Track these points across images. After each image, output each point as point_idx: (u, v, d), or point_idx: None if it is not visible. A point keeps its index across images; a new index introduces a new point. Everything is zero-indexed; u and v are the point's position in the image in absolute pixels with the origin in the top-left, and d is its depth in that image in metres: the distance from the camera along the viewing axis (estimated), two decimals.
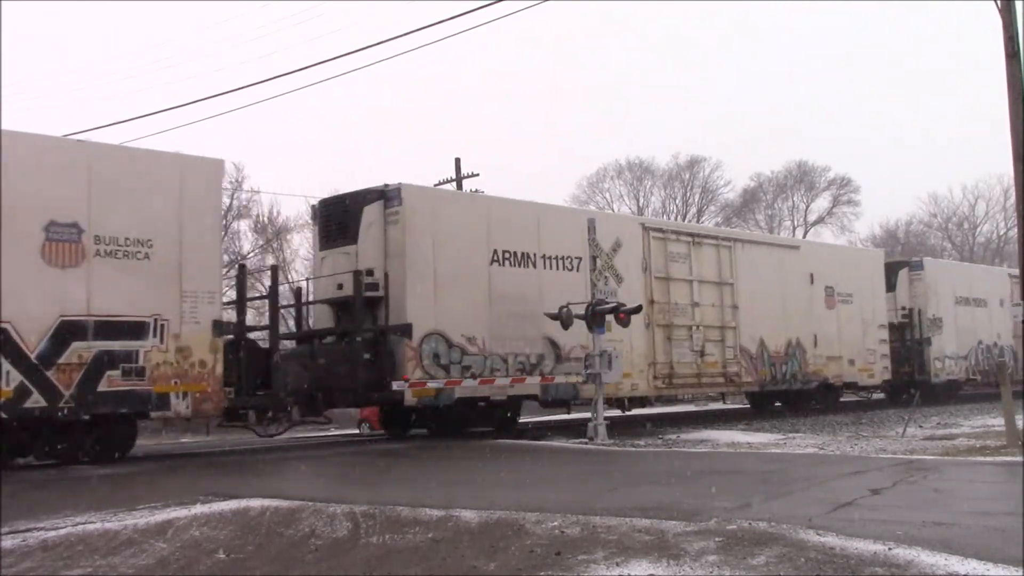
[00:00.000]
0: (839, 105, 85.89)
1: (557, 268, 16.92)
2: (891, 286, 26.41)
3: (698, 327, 19.50)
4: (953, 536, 5.85)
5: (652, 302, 18.47)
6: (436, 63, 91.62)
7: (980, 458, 11.06)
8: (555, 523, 6.57)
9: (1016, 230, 16.70)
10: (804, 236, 56.81)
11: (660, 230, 19.60)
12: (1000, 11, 13.16)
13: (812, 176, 59.83)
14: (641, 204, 57.83)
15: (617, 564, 5.52)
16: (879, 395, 26.89)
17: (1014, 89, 12.95)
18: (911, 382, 26.02)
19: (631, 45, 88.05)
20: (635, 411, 20.75)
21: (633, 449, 13.54)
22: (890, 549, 5.45)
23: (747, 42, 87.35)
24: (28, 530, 6.85)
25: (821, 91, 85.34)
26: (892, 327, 25.90)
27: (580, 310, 15.56)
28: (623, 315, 15.74)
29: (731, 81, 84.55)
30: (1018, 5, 13.27)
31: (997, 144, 15.08)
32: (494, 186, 52.66)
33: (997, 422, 16.48)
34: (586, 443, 14.41)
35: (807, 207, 60.37)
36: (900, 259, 29.86)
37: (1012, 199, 29.94)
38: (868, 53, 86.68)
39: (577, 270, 17.02)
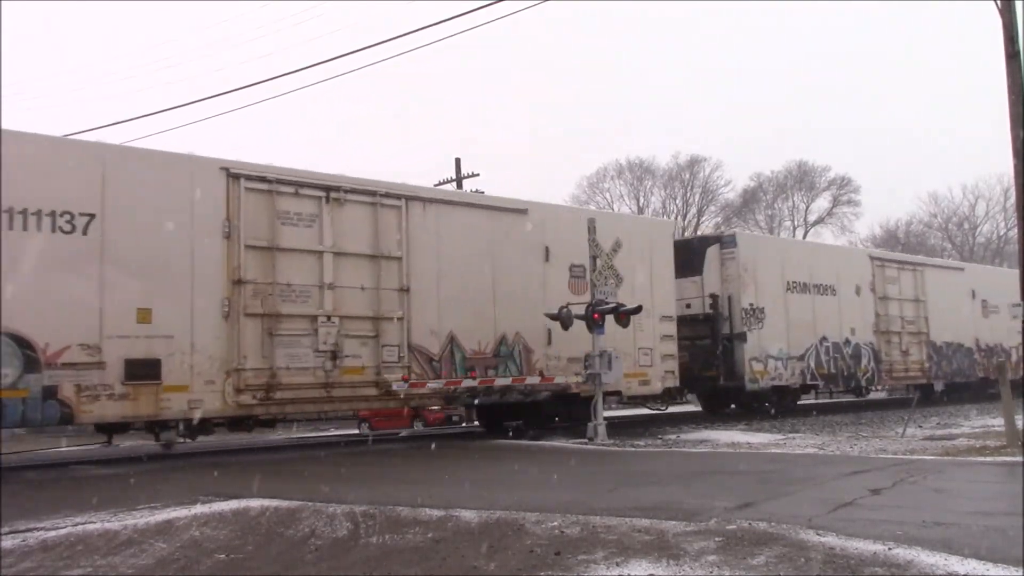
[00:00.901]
0: (839, 105, 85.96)
1: (822, 294, 22.85)
2: (697, 268, 21.08)
3: (330, 318, 13.64)
4: (953, 536, 5.85)
5: (240, 282, 12.83)
6: (436, 63, 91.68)
7: (980, 458, 11.06)
8: (555, 523, 6.57)
9: (1016, 230, 16.69)
10: (804, 236, 56.82)
11: (263, 179, 13.30)
12: (1000, 11, 13.16)
13: (812, 176, 59.88)
14: (641, 204, 57.86)
15: (617, 564, 5.52)
16: (660, 406, 20.10)
17: (1014, 89, 12.95)
18: (720, 389, 21.13)
19: (631, 45, 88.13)
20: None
21: (633, 449, 13.54)
22: (890, 549, 5.46)
23: (748, 42, 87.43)
24: (28, 530, 6.85)
25: (821, 91, 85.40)
26: (697, 320, 20.69)
27: (580, 310, 15.57)
28: (623, 315, 15.75)
29: (732, 81, 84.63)
30: (1018, 5, 13.27)
31: (997, 144, 15.09)
32: (494, 186, 52.70)
33: (997, 422, 16.48)
34: (586, 443, 14.42)
35: (807, 207, 60.43)
36: (713, 233, 24.45)
37: (1012, 199, 29.84)
38: (868, 53, 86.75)
39: (833, 294, 23.07)
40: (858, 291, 23.89)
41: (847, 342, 23.52)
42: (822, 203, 60.28)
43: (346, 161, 74.28)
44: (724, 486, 8.88)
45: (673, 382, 18.47)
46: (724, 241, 21.35)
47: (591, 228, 15.72)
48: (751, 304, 20.87)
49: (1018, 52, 13.00)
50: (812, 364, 22.42)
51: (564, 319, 15.70)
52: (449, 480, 10.10)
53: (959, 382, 27.03)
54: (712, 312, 20.85)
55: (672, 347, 18.57)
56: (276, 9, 59.89)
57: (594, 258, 15.70)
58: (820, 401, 28.11)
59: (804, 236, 57.15)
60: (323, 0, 32.34)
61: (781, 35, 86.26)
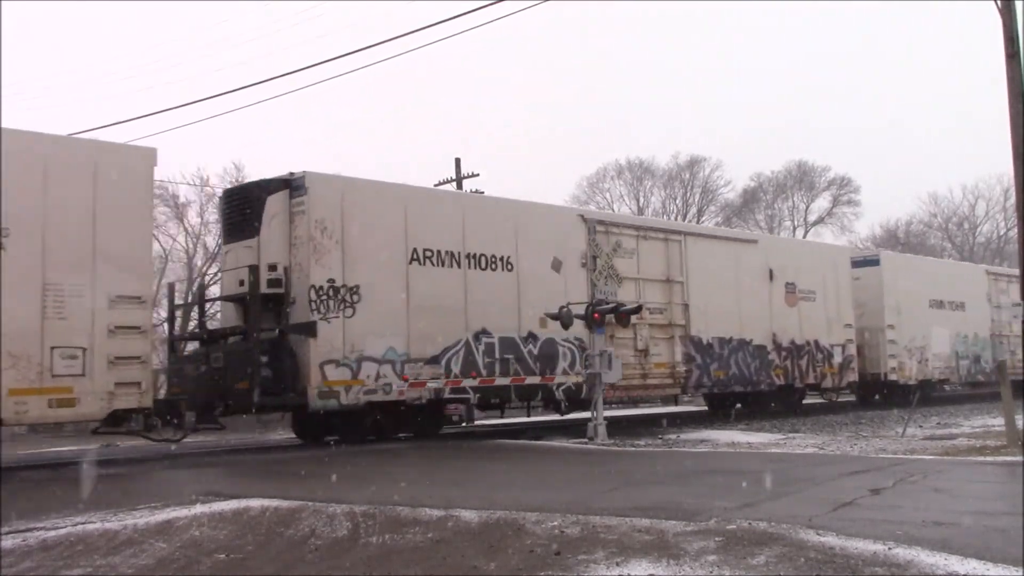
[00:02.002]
0: (839, 105, 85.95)
1: (487, 268, 16.13)
2: (254, 227, 14.29)
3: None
4: (953, 536, 5.85)
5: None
6: (435, 63, 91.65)
7: (980, 458, 11.06)
8: (555, 523, 6.57)
9: (1016, 230, 16.69)
10: (804, 236, 56.81)
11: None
12: (1000, 11, 13.16)
13: (812, 176, 59.82)
14: (641, 204, 57.86)
15: (617, 564, 5.52)
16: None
17: (1014, 89, 12.95)
18: (262, 406, 14.17)
19: (632, 45, 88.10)
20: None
21: (633, 449, 13.54)
22: (890, 549, 5.46)
23: (748, 42, 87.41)
24: (28, 530, 6.85)
25: (821, 91, 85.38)
26: (256, 304, 13.68)
27: (580, 310, 15.57)
28: (623, 315, 15.75)
29: (732, 81, 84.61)
30: (1018, 5, 13.27)
31: (997, 144, 15.08)
32: (494, 186, 52.67)
33: (997, 422, 16.49)
34: (586, 443, 14.41)
35: (807, 207, 60.39)
36: (280, 176, 14.56)
37: (1012, 199, 29.86)
38: (868, 53, 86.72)
39: (509, 269, 16.51)
40: (557, 266, 16.84)
41: (531, 336, 16.35)
42: (822, 203, 60.25)
43: (346, 161, 74.24)
44: (724, 486, 8.88)
45: (135, 401, 11.93)
46: (293, 186, 14.15)
47: (591, 230, 15.89)
48: (332, 281, 13.95)
49: (1018, 52, 12.99)
50: (455, 368, 15.23)
51: (564, 319, 15.70)
52: (449, 480, 10.10)
53: (743, 391, 20.98)
54: (274, 292, 13.93)
55: (138, 345, 11.97)
56: (276, 9, 59.91)
57: (594, 258, 15.87)
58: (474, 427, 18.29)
59: (804, 236, 56.99)
60: (323, 0, 32.33)
61: (781, 35, 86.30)
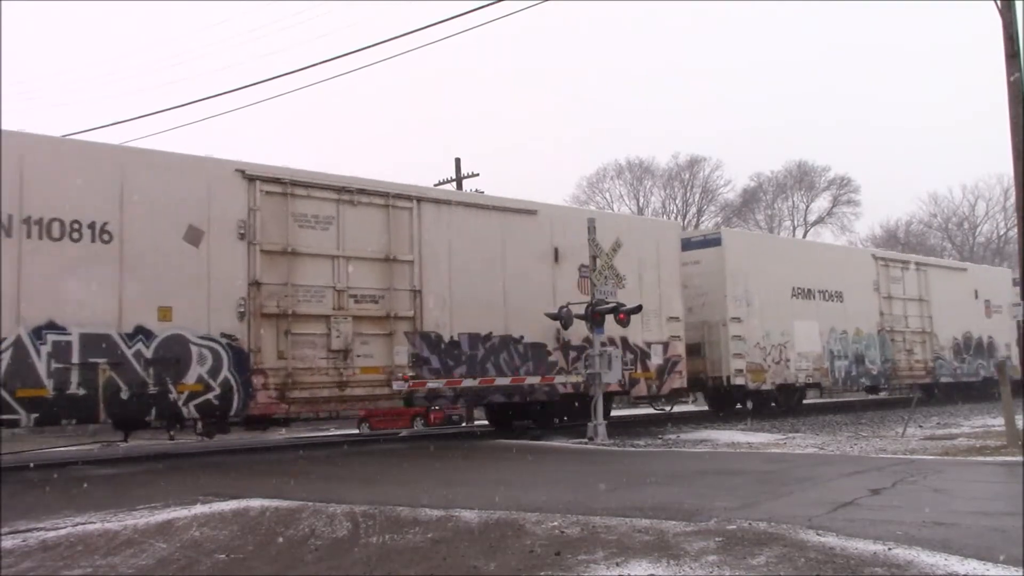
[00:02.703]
0: (839, 105, 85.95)
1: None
2: None
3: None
4: (953, 536, 5.85)
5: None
6: (435, 63, 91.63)
7: (980, 458, 11.06)
8: (555, 523, 6.57)
9: (1016, 230, 16.68)
10: (804, 236, 56.76)
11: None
12: (1000, 11, 13.16)
13: (812, 176, 59.92)
14: (641, 204, 57.89)
15: (617, 564, 5.52)
16: None
17: (1014, 89, 12.95)
18: None
19: (632, 45, 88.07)
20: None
21: (633, 449, 13.54)
22: (890, 549, 5.46)
23: (748, 42, 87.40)
24: (28, 530, 6.85)
25: (821, 91, 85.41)
26: None
27: (580, 310, 15.57)
28: (623, 315, 15.75)
29: (732, 81, 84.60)
30: (1018, 5, 13.27)
31: (997, 144, 15.09)
32: (494, 186, 52.67)
33: (997, 422, 16.49)
34: (586, 443, 14.42)
35: (807, 207, 60.46)
36: None
37: (1012, 199, 29.86)
38: (868, 53, 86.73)
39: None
40: (195, 238, 12.53)
41: (141, 331, 11.88)
42: (822, 203, 60.38)
43: (347, 161, 74.32)
44: (724, 486, 8.88)
45: None
46: None
47: (590, 229, 15.74)
48: None
49: (1018, 52, 13.00)
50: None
51: (564, 319, 15.70)
52: (449, 480, 10.09)
53: (505, 401, 16.41)
54: None
55: None
56: (276, 9, 59.91)
57: (594, 258, 15.72)
58: None
59: (804, 236, 56.97)
60: (323, 0, 32.33)
61: (781, 35, 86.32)
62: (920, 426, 17.64)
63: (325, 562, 6.22)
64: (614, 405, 20.54)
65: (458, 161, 34.49)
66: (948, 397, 27.46)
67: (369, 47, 21.04)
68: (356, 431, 22.53)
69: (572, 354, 16.55)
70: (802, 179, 59.94)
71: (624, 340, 17.49)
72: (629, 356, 17.58)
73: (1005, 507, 7.28)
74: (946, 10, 79.14)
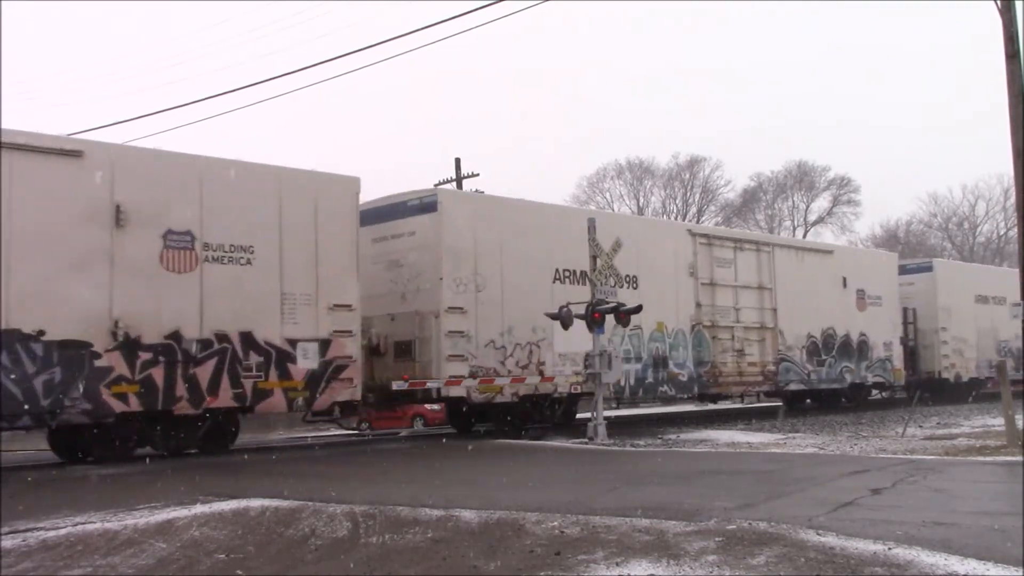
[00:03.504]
0: (839, 105, 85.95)
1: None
2: None
3: None
4: (953, 536, 5.85)
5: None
6: (435, 63, 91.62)
7: (980, 458, 11.07)
8: (555, 523, 6.57)
9: (1016, 230, 16.69)
10: (804, 236, 56.79)
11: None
12: (1000, 11, 13.17)
13: (812, 176, 59.91)
14: (641, 204, 57.90)
15: (617, 564, 5.52)
16: None
17: (1014, 89, 12.96)
18: None
19: (632, 45, 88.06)
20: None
21: (633, 449, 13.54)
22: (890, 549, 5.45)
23: (748, 42, 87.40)
24: (28, 530, 6.85)
25: (821, 91, 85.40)
26: None
27: (580, 309, 15.56)
28: (623, 315, 15.74)
29: (732, 81, 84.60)
30: (1018, 5, 13.28)
31: (997, 144, 15.09)
32: (494, 186, 52.67)
33: (997, 422, 16.49)
34: (586, 443, 14.42)
35: (807, 207, 60.46)
36: None
37: (1012, 199, 29.69)
38: (868, 53, 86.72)
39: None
40: None
41: None
42: (822, 203, 60.36)
43: (346, 161, 74.25)
44: (724, 486, 8.88)
45: None
46: None
47: (590, 229, 15.74)
48: None
49: (1018, 52, 13.00)
50: None
51: (564, 319, 15.69)
52: (449, 480, 10.10)
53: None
54: None
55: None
56: (276, 9, 59.92)
57: (594, 258, 15.70)
58: None
59: (804, 236, 57.01)
60: (323, 0, 32.34)
61: (781, 35, 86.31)
62: (920, 426, 17.64)
63: (325, 562, 6.22)
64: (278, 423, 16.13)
65: (458, 161, 34.50)
66: (820, 408, 23.74)
67: (369, 47, 21.08)
68: (356, 431, 22.48)
69: (144, 357, 12.08)
70: (802, 179, 59.94)
71: (247, 336, 13.01)
72: (255, 359, 13.06)
73: (1005, 507, 7.28)
74: (946, 10, 79.16)
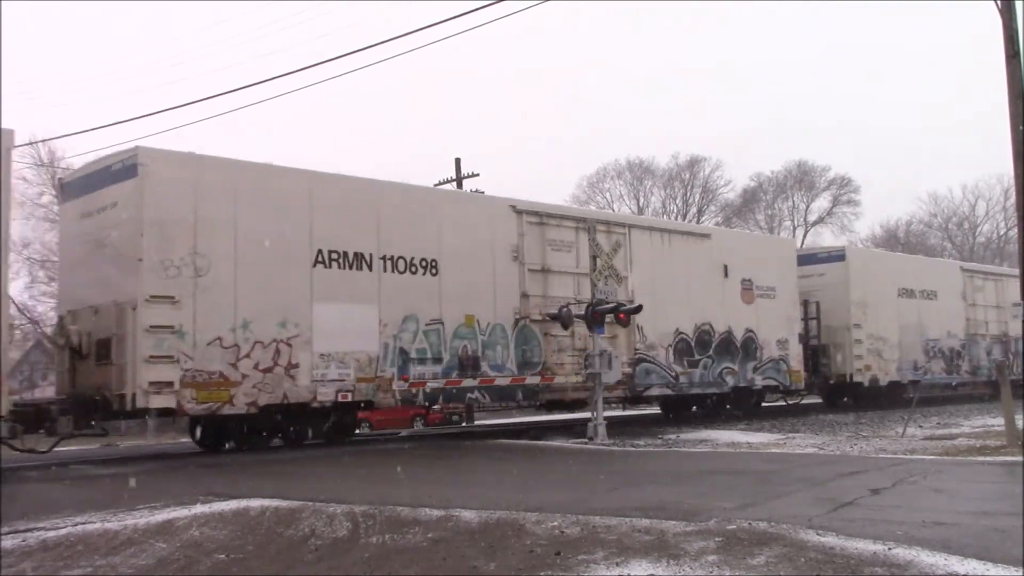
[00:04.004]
0: (839, 105, 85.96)
1: None
2: None
3: None
4: (953, 536, 5.85)
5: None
6: (435, 64, 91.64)
7: (980, 458, 11.06)
8: (555, 523, 6.57)
9: (1016, 230, 16.69)
10: (804, 236, 56.80)
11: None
12: (1000, 11, 13.16)
13: (812, 176, 59.87)
14: (641, 204, 57.88)
15: (617, 564, 5.52)
16: None
17: (1014, 89, 12.95)
18: None
19: (632, 45, 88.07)
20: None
21: (633, 449, 13.54)
22: (890, 549, 5.45)
23: (748, 42, 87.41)
24: (28, 530, 6.85)
25: (821, 91, 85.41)
26: None
27: (580, 309, 15.56)
28: (623, 315, 15.75)
29: (732, 80, 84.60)
30: (1018, 5, 13.28)
31: (997, 144, 15.08)
32: (494, 186, 52.66)
33: (997, 422, 16.48)
34: (586, 443, 14.42)
35: (807, 207, 60.44)
36: None
37: (1012, 199, 29.56)
38: (868, 53, 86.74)
39: None
40: None
41: None
42: (822, 203, 60.33)
43: (347, 161, 74.27)
44: (724, 486, 8.88)
45: None
46: None
47: (590, 229, 15.75)
48: None
49: (1018, 52, 13.00)
50: None
51: (564, 319, 15.69)
52: (449, 480, 10.10)
53: None
54: None
55: None
56: (276, 9, 59.94)
57: (594, 258, 15.74)
58: None
59: (804, 236, 57.02)
60: (323, 0, 32.32)
61: (781, 35, 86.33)
62: (920, 426, 17.64)
63: (325, 562, 6.22)
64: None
65: (458, 161, 34.45)
66: (690, 414, 21.03)
67: (369, 47, 21.02)
68: (356, 431, 22.49)
69: None
70: (802, 179, 59.91)
71: None
72: None
73: (1005, 507, 7.28)
74: (946, 10, 79.15)
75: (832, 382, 24.03)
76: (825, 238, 55.59)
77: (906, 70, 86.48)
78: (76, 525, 7.00)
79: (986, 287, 28.98)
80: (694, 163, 58.15)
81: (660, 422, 20.03)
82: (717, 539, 5.93)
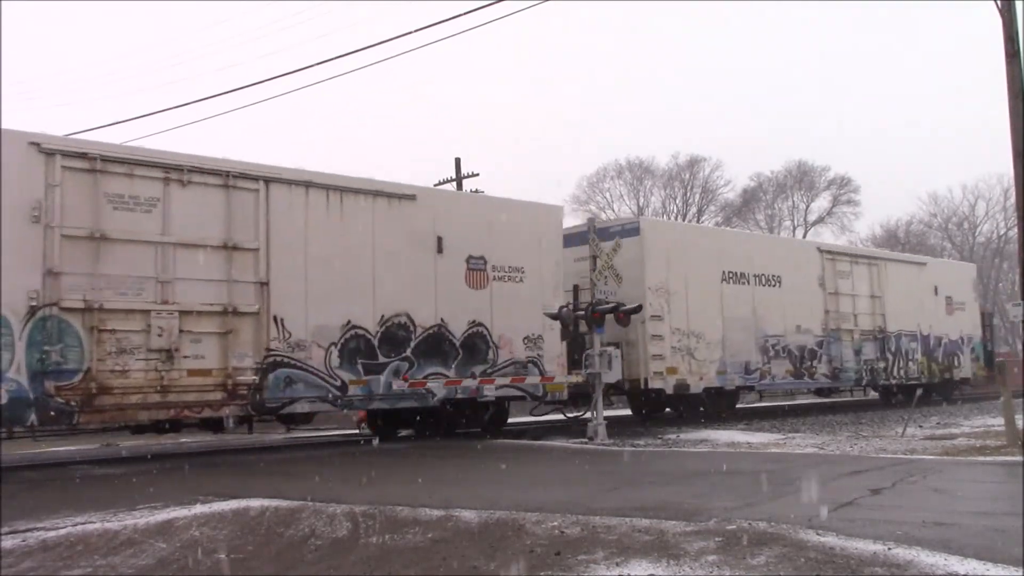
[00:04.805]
0: (839, 105, 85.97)
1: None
2: None
3: None
4: (953, 536, 5.85)
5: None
6: (435, 62, 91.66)
7: (980, 458, 11.06)
8: (555, 523, 6.57)
9: (1016, 230, 16.69)
10: (804, 237, 56.79)
11: None
12: (1000, 11, 13.16)
13: (812, 176, 59.95)
14: (641, 204, 57.88)
15: (617, 564, 5.52)
16: None
17: (1014, 89, 12.96)
18: None
19: (631, 45, 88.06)
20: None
21: (633, 449, 13.53)
22: (890, 549, 5.45)
23: (748, 42, 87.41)
24: (28, 530, 6.85)
25: (821, 91, 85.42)
26: None
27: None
28: (622, 315, 15.74)
29: (731, 80, 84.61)
30: (1018, 5, 13.28)
31: (997, 144, 15.10)
32: (494, 186, 52.68)
33: (997, 422, 16.49)
34: (586, 443, 14.41)
35: (807, 207, 60.48)
36: None
37: (1012, 199, 29.35)
38: (868, 53, 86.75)
39: None
40: None
41: None
42: (822, 203, 60.39)
43: (347, 161, 74.28)
44: (724, 486, 8.88)
45: None
46: None
47: (590, 228, 15.73)
48: None
49: (1018, 52, 13.00)
50: None
51: (564, 319, 15.68)
52: (449, 480, 10.10)
53: None
54: None
55: None
56: (276, 9, 59.95)
57: (594, 258, 15.70)
58: None
59: (804, 236, 57.02)
60: (324, 0, 32.34)
61: (781, 35, 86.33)
62: (920, 426, 17.64)
63: (325, 562, 6.23)
64: None
65: (458, 161, 34.48)
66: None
67: (369, 47, 21.06)
68: (356, 431, 22.49)
69: None
70: (802, 179, 59.97)
71: None
72: None
73: (1005, 507, 7.28)
74: (946, 10, 79.17)
75: (627, 388, 18.69)
76: (825, 238, 55.61)
77: (906, 70, 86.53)
78: (76, 525, 7.00)
79: (856, 273, 23.56)
80: (694, 163, 58.21)
81: (661, 422, 20.00)
82: (717, 539, 5.93)
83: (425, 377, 14.82)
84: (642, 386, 18.23)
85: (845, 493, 7.88)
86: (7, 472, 11.10)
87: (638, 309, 16.03)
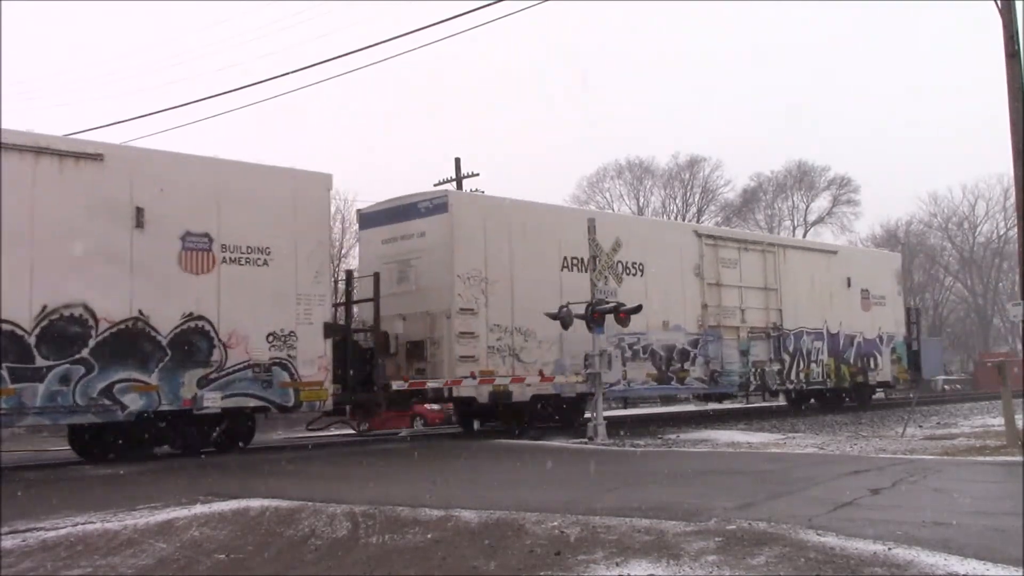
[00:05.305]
0: (839, 105, 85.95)
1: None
2: None
3: None
4: (953, 536, 5.85)
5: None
6: (436, 63, 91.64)
7: (980, 458, 11.06)
8: (555, 523, 6.57)
9: (1016, 230, 16.69)
10: (804, 236, 56.78)
11: None
12: (1000, 11, 13.17)
13: (812, 176, 59.93)
14: (641, 204, 57.88)
15: (617, 564, 5.52)
16: None
17: (1014, 88, 12.96)
18: None
19: (631, 45, 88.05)
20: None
21: (633, 449, 13.53)
22: (890, 549, 5.45)
23: (748, 42, 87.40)
24: (28, 530, 6.85)
25: (821, 91, 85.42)
26: None
27: (580, 309, 15.51)
28: (623, 314, 15.72)
29: (732, 80, 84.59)
30: (1018, 5, 13.29)
31: (997, 144, 15.09)
32: (494, 186, 52.65)
33: (997, 422, 16.49)
34: (586, 443, 14.41)
35: (807, 207, 60.47)
36: None
37: (1012, 199, 29.34)
38: (868, 53, 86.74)
39: None
40: None
41: None
42: (822, 203, 60.37)
43: (347, 161, 74.19)
44: (724, 486, 8.88)
45: None
46: None
47: (591, 228, 15.70)
48: None
49: (1018, 52, 13.00)
50: None
51: (564, 319, 15.66)
52: (449, 480, 10.09)
53: None
54: None
55: None
56: (276, 9, 59.96)
57: (594, 258, 15.65)
58: None
59: (804, 236, 56.99)
60: (323, 0, 32.33)
61: (782, 35, 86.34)
62: (920, 426, 17.64)
63: (325, 562, 6.22)
64: None
65: (458, 161, 34.47)
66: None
67: (369, 47, 21.08)
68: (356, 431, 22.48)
69: None
70: (802, 179, 59.95)
71: None
72: None
73: (1005, 507, 7.28)
74: (946, 10, 79.16)
75: (430, 396, 16.10)
76: (825, 238, 55.62)
77: (906, 70, 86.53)
78: (76, 525, 7.00)
79: (745, 261, 20.62)
80: (694, 163, 58.21)
81: (661, 422, 19.98)
82: (717, 539, 5.93)
83: (110, 385, 11.86)
84: (445, 395, 15.47)
85: (845, 493, 7.87)
86: (7, 472, 11.10)
87: (638, 309, 16.01)
